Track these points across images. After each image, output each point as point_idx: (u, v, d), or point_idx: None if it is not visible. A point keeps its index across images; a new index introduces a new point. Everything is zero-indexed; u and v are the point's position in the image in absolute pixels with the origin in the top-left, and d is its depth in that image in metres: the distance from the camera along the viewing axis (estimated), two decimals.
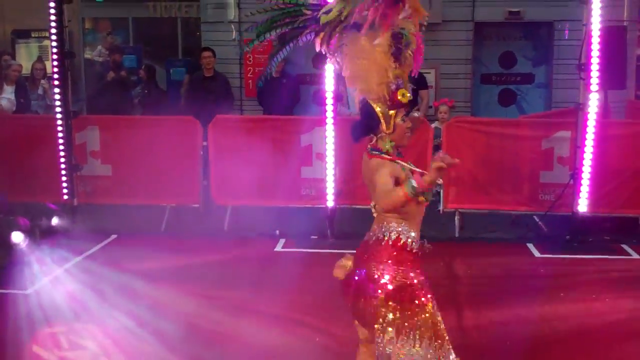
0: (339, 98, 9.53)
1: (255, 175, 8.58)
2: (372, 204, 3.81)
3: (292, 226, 8.52)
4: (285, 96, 10.51)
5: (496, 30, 12.41)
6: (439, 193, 8.53)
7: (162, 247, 7.93)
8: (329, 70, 7.97)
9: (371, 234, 3.79)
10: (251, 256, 7.74)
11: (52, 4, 8.29)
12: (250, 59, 12.06)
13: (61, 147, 8.51)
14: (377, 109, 3.71)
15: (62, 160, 8.54)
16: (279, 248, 8.08)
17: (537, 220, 8.61)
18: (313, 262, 7.53)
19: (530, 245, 8.10)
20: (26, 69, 11.71)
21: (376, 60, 3.68)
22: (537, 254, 7.90)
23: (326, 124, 8.14)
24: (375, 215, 3.82)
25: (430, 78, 11.63)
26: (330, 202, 8.31)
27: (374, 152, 3.73)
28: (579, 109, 7.96)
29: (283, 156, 8.62)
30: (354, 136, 3.85)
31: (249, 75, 12.08)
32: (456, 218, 8.64)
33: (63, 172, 8.57)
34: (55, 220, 8.55)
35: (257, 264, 7.50)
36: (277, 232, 8.49)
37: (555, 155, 8.42)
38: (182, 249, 7.87)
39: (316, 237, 8.35)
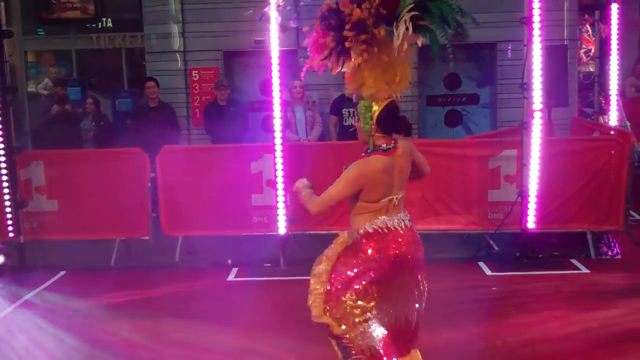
0: (287, 124, 9.56)
1: (205, 205, 8.54)
2: (400, 195, 4.32)
3: (244, 255, 8.46)
4: (233, 124, 10.46)
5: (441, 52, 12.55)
6: None
7: (112, 281, 7.83)
8: (277, 97, 7.99)
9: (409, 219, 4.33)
10: (204, 287, 7.67)
11: None
12: (197, 88, 12.01)
13: (5, 184, 8.37)
14: None
15: (7, 197, 8.38)
16: (231, 277, 8.00)
17: (488, 238, 8.69)
18: (266, 290, 7.51)
19: (482, 264, 8.15)
20: None
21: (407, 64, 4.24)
22: (488, 272, 7.95)
23: (275, 150, 8.12)
24: (398, 203, 4.29)
25: None
26: (282, 229, 8.28)
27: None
28: (524, 127, 8.08)
29: (233, 184, 8.57)
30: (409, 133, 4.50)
31: (195, 105, 12.02)
32: None
33: (8, 209, 8.41)
34: (1, 259, 8.39)
35: (210, 294, 7.43)
36: (230, 261, 8.40)
37: (502, 174, 8.51)
38: (133, 283, 7.76)
39: (269, 264, 8.29)
